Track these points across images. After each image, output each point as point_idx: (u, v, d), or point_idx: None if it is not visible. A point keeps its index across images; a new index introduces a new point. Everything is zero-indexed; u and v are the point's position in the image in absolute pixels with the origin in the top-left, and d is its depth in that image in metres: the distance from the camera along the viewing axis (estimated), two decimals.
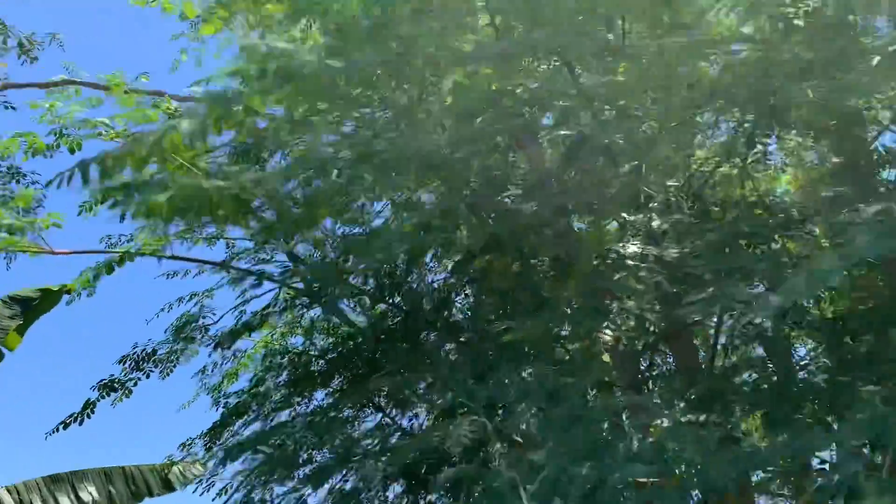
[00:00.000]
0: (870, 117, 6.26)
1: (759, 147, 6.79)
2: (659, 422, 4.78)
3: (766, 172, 7.10)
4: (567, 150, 5.91)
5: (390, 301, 6.99)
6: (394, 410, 6.92)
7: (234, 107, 4.41)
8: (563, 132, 5.58)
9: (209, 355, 7.56)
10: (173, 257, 6.50)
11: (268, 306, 6.79)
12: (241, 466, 6.53)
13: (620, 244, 4.56)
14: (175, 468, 9.18)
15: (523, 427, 3.99)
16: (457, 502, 4.14)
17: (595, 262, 5.14)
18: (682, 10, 5.94)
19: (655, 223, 4.70)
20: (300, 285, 6.89)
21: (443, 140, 5.04)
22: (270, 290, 6.99)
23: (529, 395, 3.67)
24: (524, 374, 4.37)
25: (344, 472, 7.01)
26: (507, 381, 4.08)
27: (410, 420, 6.88)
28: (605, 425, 3.29)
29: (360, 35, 4.43)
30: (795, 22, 5.87)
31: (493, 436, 3.50)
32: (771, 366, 5.43)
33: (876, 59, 3.95)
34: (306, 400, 7.30)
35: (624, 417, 3.32)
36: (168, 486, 9.48)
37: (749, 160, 6.49)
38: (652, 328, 5.67)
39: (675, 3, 5.99)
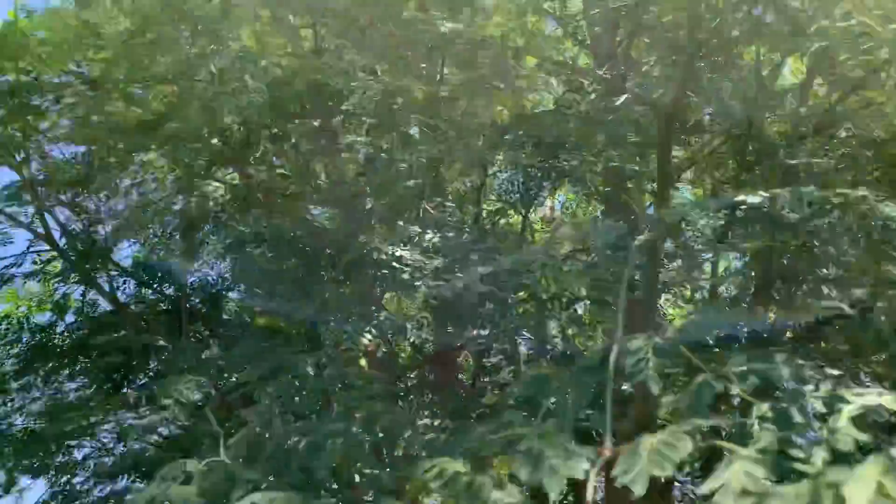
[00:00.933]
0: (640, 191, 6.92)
1: (541, 199, 7.37)
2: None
3: (545, 224, 7.66)
4: (365, 158, 6.03)
5: (157, 287, 6.61)
6: (142, 401, 6.45)
7: None
8: (361, 139, 5.67)
9: None
10: None
11: (11, 266, 6.13)
12: None
13: (390, 247, 4.65)
14: None
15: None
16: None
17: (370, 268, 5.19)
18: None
19: (428, 236, 4.86)
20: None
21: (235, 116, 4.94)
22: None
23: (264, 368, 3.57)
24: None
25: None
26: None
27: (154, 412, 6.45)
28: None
29: None
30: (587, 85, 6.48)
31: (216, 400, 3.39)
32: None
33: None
34: (43, 382, 6.64)
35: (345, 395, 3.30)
36: None
37: (530, 209, 7.00)
38: (414, 340, 5.82)
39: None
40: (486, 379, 6.37)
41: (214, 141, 5.69)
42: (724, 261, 6.70)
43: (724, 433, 1.76)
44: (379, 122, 5.97)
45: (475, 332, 6.29)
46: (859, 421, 1.66)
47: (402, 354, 6.77)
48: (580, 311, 6.44)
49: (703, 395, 1.83)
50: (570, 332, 6.66)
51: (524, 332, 6.29)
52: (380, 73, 6.26)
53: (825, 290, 6.12)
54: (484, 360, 6.69)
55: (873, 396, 1.71)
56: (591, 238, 3.20)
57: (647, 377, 1.92)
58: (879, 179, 5.85)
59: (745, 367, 1.91)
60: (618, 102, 4.14)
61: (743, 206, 2.41)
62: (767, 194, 2.22)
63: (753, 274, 5.97)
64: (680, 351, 1.99)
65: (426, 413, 5.63)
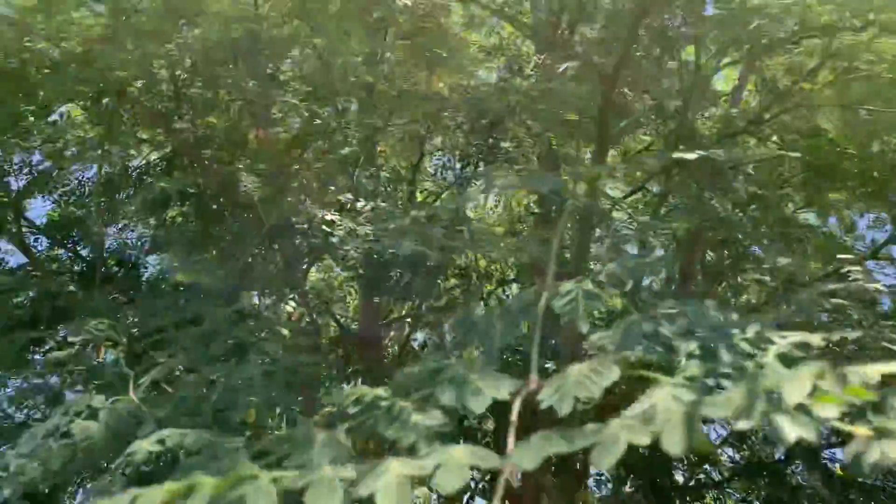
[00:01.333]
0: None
1: (477, 180, 7.33)
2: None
3: (480, 204, 7.61)
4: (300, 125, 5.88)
5: (72, 247, 6.28)
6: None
7: None
8: (295, 101, 5.52)
9: None
10: None
11: None
12: None
13: (321, 212, 4.53)
14: None
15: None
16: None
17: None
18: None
19: (361, 203, 4.77)
20: None
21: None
22: None
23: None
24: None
25: None
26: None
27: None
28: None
29: None
30: (527, 72, 6.50)
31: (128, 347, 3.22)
32: None
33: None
34: None
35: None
36: None
37: (464, 187, 6.95)
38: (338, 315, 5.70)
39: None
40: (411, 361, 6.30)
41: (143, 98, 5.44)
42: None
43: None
44: (315, 89, 5.83)
45: (402, 310, 6.23)
46: (785, 358, 1.67)
47: (325, 338, 6.63)
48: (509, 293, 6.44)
49: (631, 334, 1.82)
50: None
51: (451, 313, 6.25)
52: (319, 39, 6.11)
53: (745, 283, 6.32)
54: (410, 340, 6.63)
55: (798, 336, 1.72)
56: (526, 184, 3.18)
57: (576, 317, 1.89)
58: (805, 183, 6.06)
59: (674, 310, 1.91)
60: (561, 68, 4.14)
61: (673, 195, 2.40)
62: (705, 152, 2.22)
63: (676, 272, 6.10)
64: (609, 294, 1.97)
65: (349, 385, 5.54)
